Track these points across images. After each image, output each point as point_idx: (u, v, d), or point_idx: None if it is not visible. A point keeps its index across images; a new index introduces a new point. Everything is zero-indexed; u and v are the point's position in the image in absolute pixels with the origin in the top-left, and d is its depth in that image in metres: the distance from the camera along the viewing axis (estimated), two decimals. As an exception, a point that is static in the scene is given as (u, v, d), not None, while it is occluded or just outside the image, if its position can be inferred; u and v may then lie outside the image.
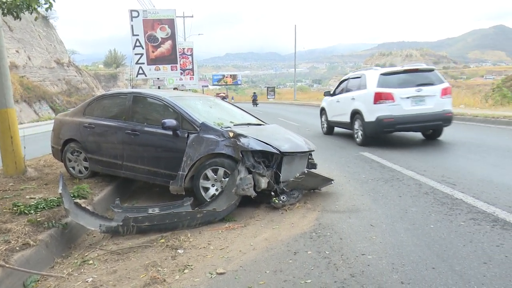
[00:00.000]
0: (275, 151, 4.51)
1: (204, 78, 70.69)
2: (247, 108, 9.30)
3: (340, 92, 9.91)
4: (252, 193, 4.28)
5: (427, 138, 8.79)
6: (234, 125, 5.11)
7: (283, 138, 5.08)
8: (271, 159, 4.64)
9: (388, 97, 7.74)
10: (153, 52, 16.64)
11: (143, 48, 16.37)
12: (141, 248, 3.65)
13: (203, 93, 45.54)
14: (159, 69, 16.94)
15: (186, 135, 4.77)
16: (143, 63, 16.55)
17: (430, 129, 8.52)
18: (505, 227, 3.38)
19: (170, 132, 4.83)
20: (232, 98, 58.59)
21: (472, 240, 3.17)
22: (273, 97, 56.34)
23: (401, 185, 5.03)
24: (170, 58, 17.00)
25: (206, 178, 4.61)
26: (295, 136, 5.37)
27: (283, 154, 4.59)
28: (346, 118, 9.06)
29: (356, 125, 8.64)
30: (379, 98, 7.83)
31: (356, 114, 8.60)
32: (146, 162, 5.15)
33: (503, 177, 4.99)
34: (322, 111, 11.04)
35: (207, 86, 63.74)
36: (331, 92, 10.63)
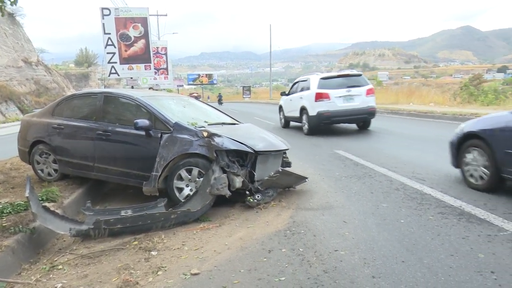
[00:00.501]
0: (249, 150, 4.52)
1: (179, 78, 70.01)
2: (220, 107, 9.21)
3: (293, 93, 11.80)
4: (227, 193, 4.27)
5: (360, 129, 10.75)
6: (208, 124, 5.09)
7: (258, 137, 5.09)
8: (246, 158, 4.65)
9: (326, 96, 9.82)
10: (125, 51, 16.33)
11: (115, 47, 16.03)
12: (113, 251, 3.58)
13: (178, 92, 45.10)
14: (132, 69, 16.64)
15: (159, 135, 4.71)
16: (116, 62, 16.21)
17: (360, 121, 10.57)
18: (470, 220, 3.51)
19: (143, 133, 4.76)
20: (208, 98, 58.28)
21: (440, 233, 3.27)
22: (249, 96, 56.41)
23: (373, 181, 5.13)
24: (143, 57, 16.73)
25: (180, 178, 4.57)
26: (270, 135, 5.39)
27: (257, 153, 4.60)
28: (297, 114, 10.99)
29: (304, 118, 10.59)
30: (319, 97, 9.89)
31: (303, 110, 10.58)
32: (118, 163, 5.05)
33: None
34: (280, 108, 13.06)
35: (182, 85, 63.19)
36: (286, 93, 12.68)
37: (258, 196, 4.51)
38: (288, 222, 3.88)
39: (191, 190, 4.54)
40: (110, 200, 5.49)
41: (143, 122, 4.64)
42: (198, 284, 2.77)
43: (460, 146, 4.78)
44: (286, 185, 4.96)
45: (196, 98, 10.47)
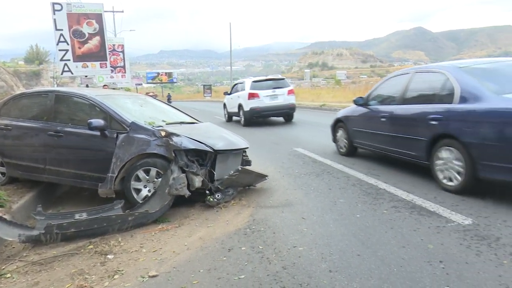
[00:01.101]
0: (208, 149, 4.49)
1: (137, 76, 68.27)
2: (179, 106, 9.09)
3: (233, 92, 14.45)
4: (186, 193, 4.22)
5: (285, 121, 13.32)
6: (167, 124, 5.00)
7: (217, 136, 5.07)
8: (205, 158, 4.61)
9: (256, 96, 12.47)
10: (79, 48, 15.69)
11: (68, 44, 15.35)
12: (66, 256, 3.44)
13: (137, 91, 43.95)
14: (87, 66, 16.01)
15: (115, 135, 4.57)
16: (69, 60, 15.52)
17: (283, 115, 13.36)
18: (421, 213, 3.68)
19: (98, 133, 4.59)
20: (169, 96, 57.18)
21: (393, 227, 3.41)
22: (210, 95, 55.97)
23: (331, 178, 5.26)
24: (99, 55, 16.15)
25: (138, 179, 4.46)
26: (229, 134, 5.39)
27: (217, 152, 4.58)
28: (236, 109, 13.61)
29: (240, 113, 13.16)
30: (251, 96, 12.51)
31: (240, 106, 13.11)
32: (71, 165, 4.85)
33: (420, 168, 5.42)
34: (224, 105, 15.69)
35: (141, 84, 61.64)
36: (228, 93, 15.39)
37: (218, 195, 4.49)
38: (248, 220, 3.90)
39: (149, 191, 4.45)
40: (64, 204, 5.26)
41: (98, 122, 4.49)
42: (156, 286, 2.72)
43: (334, 127, 7.11)
44: (246, 183, 4.98)
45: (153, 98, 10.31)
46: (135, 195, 4.46)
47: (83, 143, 4.75)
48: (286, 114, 13.11)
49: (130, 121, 4.59)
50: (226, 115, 15.33)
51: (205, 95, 55.86)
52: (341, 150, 6.83)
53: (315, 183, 5.08)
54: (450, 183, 4.25)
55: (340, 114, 7.09)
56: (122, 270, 3.04)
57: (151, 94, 47.10)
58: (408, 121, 5.07)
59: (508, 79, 4.28)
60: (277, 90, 12.58)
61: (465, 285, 2.39)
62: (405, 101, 5.18)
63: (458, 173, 4.12)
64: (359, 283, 2.51)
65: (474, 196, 4.00)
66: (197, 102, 32.16)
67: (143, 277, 2.85)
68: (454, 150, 4.16)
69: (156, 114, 5.33)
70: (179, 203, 4.46)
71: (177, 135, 4.41)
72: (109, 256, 3.32)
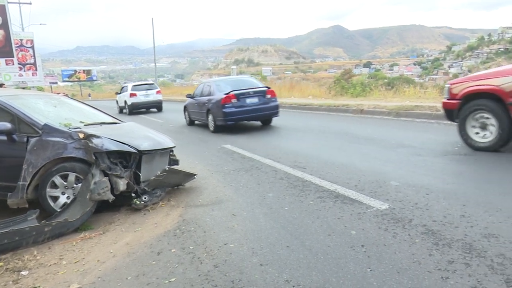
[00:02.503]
0: (132, 150, 4.29)
1: (51, 74, 63.10)
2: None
3: (122, 92, 21.05)
4: (110, 197, 3.99)
5: (157, 111, 19.74)
6: (85, 125, 4.69)
7: (142, 136, 4.87)
8: (130, 159, 4.41)
9: (134, 95, 19.10)
10: (-20, 43, 14.08)
11: (-35, 39, 13.70)
12: (-28, 277, 3.07)
13: (51, 91, 40.64)
14: (-10, 64, 14.44)
15: (25, 139, 4.16)
16: (-33, 57, 13.88)
17: (153, 108, 20.12)
18: (344, 201, 3.89)
19: (4, 137, 4.15)
20: (89, 96, 53.80)
21: (319, 216, 3.56)
22: (133, 93, 53.69)
23: (260, 173, 5.34)
24: (4, 51, 14.70)
25: (54, 186, 4.12)
26: (155, 133, 5.21)
27: (142, 152, 4.40)
28: (123, 104, 20.51)
29: (126, 107, 19.77)
30: (132, 95, 19.16)
31: (125, 102, 19.86)
32: None
33: (343, 158, 5.74)
34: (116, 102, 22.29)
35: (56, 82, 57.06)
36: (119, 92, 21.92)
37: (145, 198, 4.33)
38: (177, 221, 3.81)
39: (68, 197, 4.13)
40: (-33, 218, 4.68)
41: (4, 125, 4.05)
42: (79, 299, 2.54)
43: (184, 110, 12.46)
44: (174, 183, 4.86)
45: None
46: (52, 204, 4.11)
47: None
48: (155, 107, 20.09)
49: (43, 123, 4.21)
50: (118, 108, 21.65)
51: (128, 93, 53.42)
52: (187, 123, 12.45)
53: (244, 179, 5.12)
54: (211, 128, 10.20)
55: (185, 103, 12.52)
56: (39, 286, 2.79)
57: (61, 94, 43.91)
58: (202, 104, 10.69)
59: (231, 86, 9.97)
60: (149, 91, 19.61)
61: (384, 266, 2.57)
62: (201, 95, 10.99)
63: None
64: (289, 274, 2.57)
65: (389, 183, 4.33)
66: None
67: (64, 291, 2.65)
68: (210, 116, 10.13)
69: (72, 115, 4.97)
70: (103, 208, 4.22)
71: (98, 137, 4.15)
72: (23, 273, 3.03)
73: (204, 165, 6.13)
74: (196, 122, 12.04)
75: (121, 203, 4.37)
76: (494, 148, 5.29)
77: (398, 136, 7.16)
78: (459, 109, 5.75)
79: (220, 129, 9.83)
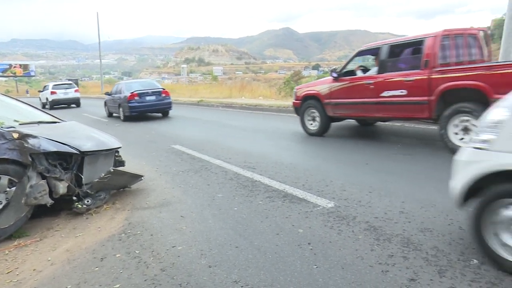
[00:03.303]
0: (73, 151, 4.07)
1: (-18, 69, 58.37)
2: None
3: (44, 91, 24.18)
4: (48, 201, 3.76)
5: (76, 107, 22.45)
6: (20, 124, 4.37)
7: (84, 135, 4.64)
8: (71, 160, 4.18)
9: (54, 92, 22.24)
10: None
11: None
12: None
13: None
14: None
15: (-50, 140, 3.81)
16: None
17: (71, 104, 22.89)
18: (292, 200, 3.96)
19: None
20: (27, 92, 50.41)
21: (268, 216, 3.59)
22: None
23: (209, 174, 5.29)
24: None
25: (-15, 190, 3.80)
26: (99, 133, 4.98)
27: (84, 153, 4.19)
28: (45, 100, 23.25)
29: (47, 103, 22.54)
30: (53, 93, 22.22)
31: (47, 99, 22.66)
32: None
33: (292, 158, 5.85)
34: (40, 98, 24.80)
35: (-12, 78, 52.83)
36: (42, 90, 25.05)
37: (87, 201, 4.13)
38: (123, 224, 3.67)
39: (0, 203, 3.83)
40: None
41: None
42: (13, 312, 2.36)
43: (104, 105, 15.90)
44: (120, 185, 4.68)
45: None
46: (-19, 210, 3.79)
47: None
48: (74, 103, 23.11)
49: (-29, 123, 3.89)
50: (40, 104, 23.08)
51: (71, 91, 50.70)
52: (107, 115, 15.51)
53: (193, 180, 5.05)
54: (122, 118, 13.48)
55: (105, 99, 15.74)
56: (-34, 300, 2.56)
57: None
58: (116, 100, 13.87)
59: (136, 87, 13.37)
60: (68, 89, 22.90)
61: (329, 262, 2.65)
62: (116, 93, 14.02)
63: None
64: (237, 275, 2.57)
65: (335, 181, 4.47)
66: (62, 99, 28.81)
67: (-5, 304, 2.45)
68: (121, 109, 13.53)
69: (6, 113, 4.60)
70: (41, 213, 3.97)
71: (34, 137, 3.88)
72: None
73: (152, 166, 5.97)
74: (114, 114, 15.00)
75: (62, 207, 4.13)
76: (319, 134, 7.56)
77: (344, 135, 7.42)
78: (300, 106, 7.97)
79: (128, 119, 13.24)
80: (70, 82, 25.61)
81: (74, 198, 4.10)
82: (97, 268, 2.83)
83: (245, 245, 3.01)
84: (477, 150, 2.46)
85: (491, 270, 2.39)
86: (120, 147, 4.90)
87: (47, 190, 3.75)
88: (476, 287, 2.24)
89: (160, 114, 14.07)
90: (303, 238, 3.06)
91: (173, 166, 5.91)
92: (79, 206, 4.03)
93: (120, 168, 4.72)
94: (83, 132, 4.79)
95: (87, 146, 4.28)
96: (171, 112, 14.04)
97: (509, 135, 2.30)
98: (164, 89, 13.96)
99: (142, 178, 4.87)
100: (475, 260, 2.53)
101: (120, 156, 5.16)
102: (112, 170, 4.32)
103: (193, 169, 5.62)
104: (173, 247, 3.08)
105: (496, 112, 2.47)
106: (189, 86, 37.64)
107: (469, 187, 2.47)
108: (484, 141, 2.44)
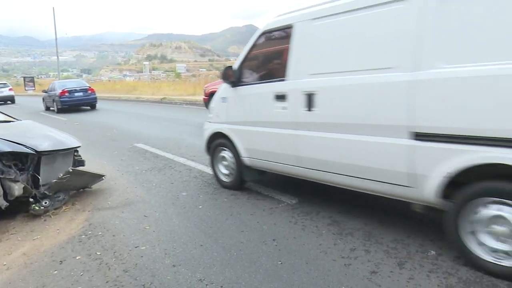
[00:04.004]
0: (29, 151, 3.90)
1: None
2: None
3: None
4: (3, 204, 3.59)
5: (10, 103, 25.14)
6: (-30, 123, 4.17)
7: (41, 135, 4.45)
8: (27, 161, 4.00)
9: None
10: None
11: None
12: None
13: None
14: None
15: None
16: None
17: (6, 102, 25.81)
18: (257, 198, 4.00)
19: None
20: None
21: (233, 214, 3.60)
22: (33, 88, 48.54)
23: (173, 172, 5.23)
24: None
25: None
26: (57, 132, 4.80)
27: (40, 153, 4.02)
28: None
29: None
30: None
31: None
32: None
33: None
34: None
35: None
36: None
37: (45, 202, 3.96)
38: (83, 226, 3.56)
39: (-51, 206, 3.62)
40: None
41: None
42: (-36, 321, 2.24)
43: (43, 101, 19.16)
44: (80, 186, 4.53)
45: None
46: None
47: None
48: (9, 100, 25.92)
49: None
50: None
51: (26, 88, 48.20)
52: (44, 108, 17.73)
53: (157, 178, 4.97)
54: (56, 111, 16.61)
55: (43, 96, 18.20)
56: None
57: None
58: (51, 96, 16.94)
59: (68, 85, 17.05)
60: (2, 89, 25.77)
61: (294, 258, 2.70)
62: (51, 90, 17.13)
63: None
64: (202, 273, 2.57)
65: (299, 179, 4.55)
66: (17, 97, 27.36)
67: None
68: (55, 103, 16.64)
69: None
70: (-6, 216, 3.77)
71: (-14, 137, 3.70)
72: None
73: (113, 166, 5.82)
74: (50, 108, 17.64)
75: (18, 210, 3.95)
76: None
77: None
78: (208, 101, 9.32)
79: (61, 111, 16.09)
80: (4, 82, 30.14)
81: (31, 199, 3.93)
82: (56, 272, 2.73)
83: (210, 243, 3.01)
84: (208, 122, 4.54)
85: (447, 261, 2.53)
86: (79, 146, 4.74)
87: (1, 192, 3.58)
88: (434, 277, 2.36)
89: (115, 115, 14.13)
90: (268, 235, 3.10)
91: (135, 165, 5.79)
92: (36, 208, 3.86)
93: (80, 168, 4.57)
94: (39, 132, 4.59)
95: (44, 145, 4.11)
96: (134, 110, 14.31)
97: (216, 114, 4.35)
98: (90, 87, 17.65)
99: (104, 177, 4.73)
100: (432, 251, 2.67)
101: (79, 156, 4.99)
102: (71, 170, 4.16)
103: (156, 167, 5.54)
104: (136, 247, 3.03)
105: (212, 101, 4.46)
106: (152, 84, 36.92)
107: (208, 140, 4.53)
108: (209, 117, 4.52)
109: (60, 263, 2.86)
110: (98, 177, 4.63)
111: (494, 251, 2.33)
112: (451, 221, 2.49)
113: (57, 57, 41.52)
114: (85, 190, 4.64)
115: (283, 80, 3.45)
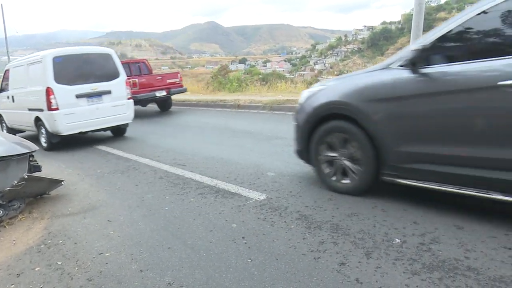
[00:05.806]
0: (-22, 158, 3.65)
1: None
2: None
3: None
4: (-50, 216, 3.33)
5: None
6: None
7: (-9, 140, 4.17)
8: (-24, 169, 3.74)
9: None
10: None
11: None
12: None
13: None
14: None
15: None
16: None
17: None
18: (225, 196, 3.95)
19: None
20: None
21: (201, 213, 3.53)
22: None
23: (137, 174, 5.07)
24: None
25: None
26: (9, 137, 4.53)
27: (-9, 160, 3.77)
28: None
29: None
30: None
31: None
32: None
33: (222, 153, 5.82)
34: None
35: None
36: None
37: (-1, 212, 3.72)
38: (42, 235, 3.37)
39: None
40: None
41: None
42: None
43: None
44: (37, 192, 4.30)
45: None
46: None
47: None
48: None
49: None
50: None
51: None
52: None
53: (120, 181, 4.81)
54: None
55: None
56: None
57: None
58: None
59: None
60: None
61: (264, 254, 2.68)
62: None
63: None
64: (171, 276, 2.49)
65: (266, 174, 4.54)
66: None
67: None
68: None
69: None
70: None
71: None
72: None
73: (73, 169, 5.56)
74: None
75: (-33, 222, 3.69)
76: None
77: (273, 128, 7.56)
78: None
79: None
80: None
81: (-18, 210, 3.68)
82: (13, 286, 2.56)
83: (178, 245, 2.93)
84: None
85: (412, 248, 2.60)
86: (35, 151, 4.48)
87: None
88: (400, 265, 2.41)
89: None
90: (237, 233, 3.06)
91: (97, 167, 5.57)
92: (-11, 218, 3.62)
93: (36, 174, 4.33)
94: (-11, 137, 4.31)
95: (-5, 151, 3.86)
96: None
97: None
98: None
99: (63, 183, 4.51)
100: (397, 240, 2.73)
101: (35, 161, 4.73)
102: (27, 177, 3.93)
103: (119, 169, 5.35)
104: (100, 254, 2.90)
105: None
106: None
107: None
108: None
109: (18, 276, 2.69)
110: (56, 182, 4.41)
111: None
112: None
113: (8, 56, 39.33)
114: (43, 197, 4.41)
115: None
